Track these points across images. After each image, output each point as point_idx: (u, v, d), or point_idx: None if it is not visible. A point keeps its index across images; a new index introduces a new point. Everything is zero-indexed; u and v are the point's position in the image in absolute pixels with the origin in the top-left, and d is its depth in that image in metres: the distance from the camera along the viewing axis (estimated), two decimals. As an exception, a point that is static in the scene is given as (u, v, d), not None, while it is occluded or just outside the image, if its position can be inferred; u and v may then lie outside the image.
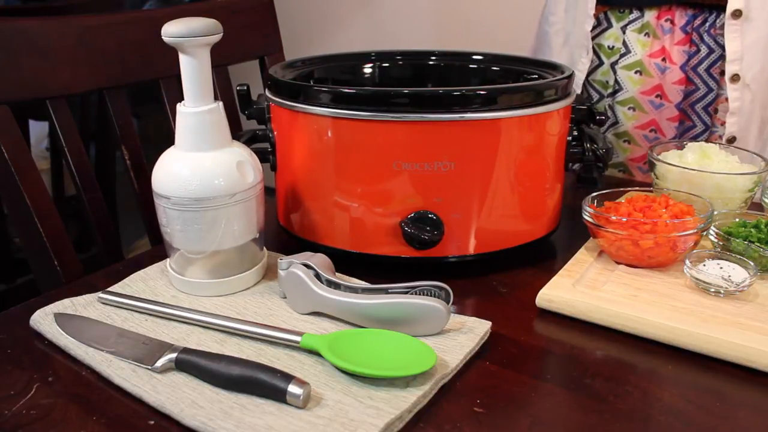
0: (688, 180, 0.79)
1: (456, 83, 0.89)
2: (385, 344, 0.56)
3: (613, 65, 1.01)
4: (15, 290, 1.83)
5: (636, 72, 0.99)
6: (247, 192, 0.65)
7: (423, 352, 0.54)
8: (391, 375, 0.53)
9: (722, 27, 0.92)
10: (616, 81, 1.01)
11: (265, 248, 0.72)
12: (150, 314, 0.63)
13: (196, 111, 0.64)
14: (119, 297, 0.64)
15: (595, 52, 1.03)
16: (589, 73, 1.04)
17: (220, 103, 0.65)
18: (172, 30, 0.61)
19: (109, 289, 0.67)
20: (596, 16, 1.01)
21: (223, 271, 0.67)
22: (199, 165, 0.63)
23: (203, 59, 0.63)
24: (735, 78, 0.91)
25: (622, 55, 0.99)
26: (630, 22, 0.98)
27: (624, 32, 0.98)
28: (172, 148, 0.66)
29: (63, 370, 0.56)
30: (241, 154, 0.66)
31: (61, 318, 0.61)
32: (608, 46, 1.01)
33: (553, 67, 0.80)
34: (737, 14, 0.89)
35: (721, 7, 0.91)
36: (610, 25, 1.01)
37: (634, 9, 0.98)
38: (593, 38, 1.02)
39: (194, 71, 0.63)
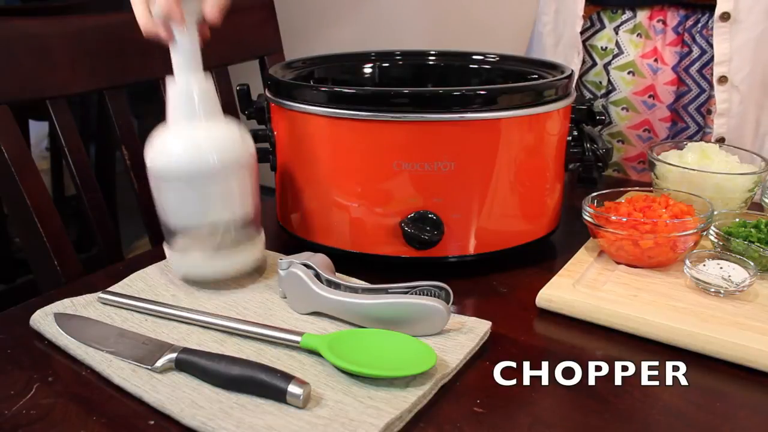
0: (688, 180, 0.79)
1: (456, 83, 0.89)
2: (385, 344, 0.56)
3: (606, 66, 1.01)
4: (15, 290, 1.83)
5: (629, 72, 0.99)
6: (239, 164, 0.64)
7: (423, 352, 0.54)
8: (391, 375, 0.53)
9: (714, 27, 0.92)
10: (609, 81, 1.01)
11: (263, 231, 0.71)
12: (150, 314, 0.63)
13: (185, 80, 0.63)
14: (119, 297, 0.64)
15: (588, 52, 1.03)
16: (582, 74, 1.05)
17: (209, 74, 0.65)
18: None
19: (109, 289, 0.67)
20: (589, 17, 1.01)
21: (222, 252, 0.66)
22: (191, 138, 0.63)
23: (190, 31, 0.63)
24: (722, 80, 0.91)
25: (615, 56, 0.99)
26: (622, 23, 0.98)
27: (617, 33, 0.98)
28: (163, 124, 0.65)
29: (63, 370, 0.56)
30: (231, 127, 0.65)
31: (61, 318, 0.61)
32: (601, 47, 1.01)
33: (553, 67, 0.80)
34: (725, 17, 0.89)
35: (713, 8, 0.91)
36: (603, 26, 1.01)
37: (626, 9, 0.98)
38: (586, 39, 1.02)
39: (182, 43, 0.63)
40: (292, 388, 0.50)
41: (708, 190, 0.77)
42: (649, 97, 0.98)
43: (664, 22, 0.95)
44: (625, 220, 0.68)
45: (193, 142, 0.63)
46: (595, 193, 0.74)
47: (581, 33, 1.01)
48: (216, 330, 0.60)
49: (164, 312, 0.62)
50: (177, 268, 0.67)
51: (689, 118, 0.97)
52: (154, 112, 1.02)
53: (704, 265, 0.65)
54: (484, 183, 0.68)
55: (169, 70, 0.64)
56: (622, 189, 0.77)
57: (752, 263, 0.64)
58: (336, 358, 0.54)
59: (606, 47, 1.01)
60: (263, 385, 0.51)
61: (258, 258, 0.69)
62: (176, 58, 0.63)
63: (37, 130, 2.03)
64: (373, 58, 0.91)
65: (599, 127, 1.01)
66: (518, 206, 0.71)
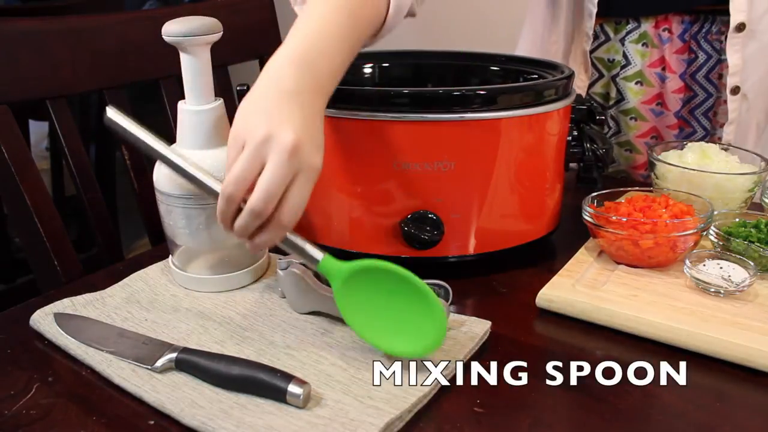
0: (688, 180, 0.79)
1: (456, 83, 0.89)
2: (401, 298, 0.53)
3: (614, 78, 1.00)
4: (15, 290, 1.83)
5: (636, 83, 0.98)
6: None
7: (436, 314, 0.52)
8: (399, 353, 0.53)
9: (719, 33, 0.92)
10: (618, 92, 1.00)
11: (266, 249, 0.72)
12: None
13: (198, 109, 0.64)
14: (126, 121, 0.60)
15: (594, 65, 1.02)
16: (588, 87, 1.04)
17: (221, 101, 0.66)
18: (172, 29, 0.61)
19: (107, 289, 0.67)
20: (593, 29, 1.00)
21: (225, 268, 0.67)
22: (201, 162, 0.64)
23: (203, 58, 0.63)
24: (735, 90, 0.91)
25: (623, 67, 0.98)
26: (628, 33, 0.97)
27: (623, 44, 0.98)
28: (173, 146, 0.66)
29: (63, 370, 0.56)
30: None
31: (61, 318, 0.61)
32: (608, 60, 1.00)
33: (553, 67, 0.80)
34: (741, 27, 0.89)
35: (716, 14, 0.91)
36: (608, 39, 1.00)
37: (630, 20, 0.97)
38: (591, 52, 1.01)
39: (195, 70, 0.63)
40: (292, 388, 0.50)
41: (708, 190, 0.77)
42: (657, 104, 0.98)
43: (670, 31, 0.94)
44: (625, 220, 0.68)
45: (202, 165, 0.63)
46: (595, 193, 0.74)
47: None
48: (216, 330, 0.60)
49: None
50: (180, 281, 0.68)
51: (696, 123, 0.97)
52: (154, 112, 1.02)
53: (704, 265, 0.65)
54: (484, 183, 0.68)
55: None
56: (622, 189, 0.77)
57: (752, 263, 0.64)
58: (346, 309, 0.54)
59: (613, 59, 0.99)
60: (263, 385, 0.51)
61: (260, 274, 0.70)
62: (188, 85, 0.64)
63: (37, 130, 2.03)
64: (373, 58, 0.91)
65: (609, 135, 1.00)
66: (518, 206, 0.71)
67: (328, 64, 0.57)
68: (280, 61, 0.56)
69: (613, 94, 1.01)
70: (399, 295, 0.54)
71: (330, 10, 0.59)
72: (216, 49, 0.65)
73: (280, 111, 0.53)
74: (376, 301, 0.55)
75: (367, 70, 0.91)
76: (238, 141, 0.53)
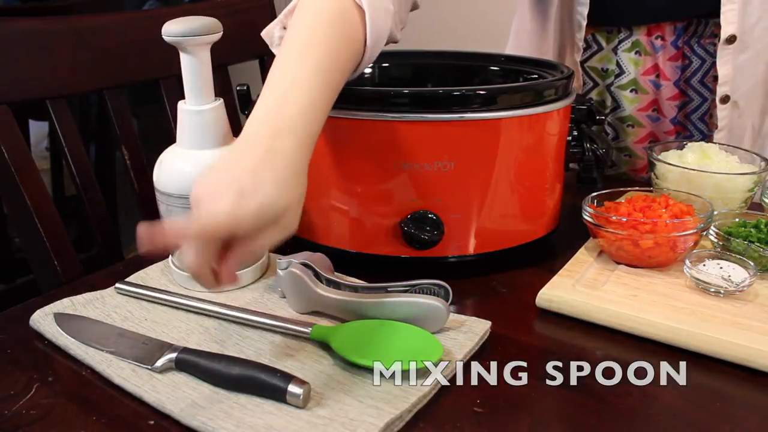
0: (688, 180, 0.79)
1: (456, 83, 0.89)
2: (392, 336, 0.57)
3: (608, 87, 1.00)
4: (15, 290, 1.83)
5: (631, 91, 0.98)
6: None
7: (430, 343, 0.55)
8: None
9: (712, 36, 0.92)
10: (613, 100, 1.00)
11: (267, 250, 0.72)
12: (166, 304, 0.64)
13: (198, 109, 0.64)
14: (136, 287, 0.65)
15: (587, 74, 1.02)
16: (582, 95, 1.03)
17: (221, 101, 0.66)
18: (172, 29, 0.61)
19: (108, 289, 0.67)
20: (584, 40, 1.00)
21: None
22: (202, 162, 0.64)
23: (203, 58, 0.63)
24: (725, 99, 0.91)
25: (617, 76, 0.98)
26: (620, 42, 0.97)
27: (616, 53, 0.97)
28: (173, 146, 0.67)
29: (63, 370, 0.56)
30: None
31: (61, 318, 0.61)
32: (602, 69, 1.00)
33: (553, 67, 0.80)
34: (731, 39, 0.89)
35: (710, 16, 0.91)
36: (600, 48, 0.99)
37: (622, 29, 0.96)
38: (584, 61, 1.01)
39: (195, 70, 0.63)
40: (292, 388, 0.50)
41: (708, 190, 0.77)
42: (653, 111, 0.98)
43: (663, 38, 0.94)
44: (625, 220, 0.68)
45: (203, 165, 0.64)
46: (595, 193, 0.74)
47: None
48: (216, 330, 0.60)
49: (180, 303, 0.63)
50: (180, 281, 0.68)
51: (693, 127, 0.97)
52: (154, 112, 1.02)
53: (704, 265, 0.65)
54: (484, 183, 0.68)
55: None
56: (622, 189, 0.77)
57: (752, 263, 0.64)
58: (347, 351, 0.54)
59: (606, 69, 0.99)
60: (263, 385, 0.51)
61: (260, 274, 0.70)
62: (188, 85, 0.64)
63: (37, 130, 2.03)
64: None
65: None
66: (518, 206, 0.71)
67: (304, 128, 0.55)
68: (254, 129, 0.54)
69: (609, 102, 1.01)
70: (390, 329, 0.58)
71: (308, 58, 0.56)
72: (216, 49, 0.65)
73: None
74: (373, 340, 0.57)
75: (367, 70, 0.91)
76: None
